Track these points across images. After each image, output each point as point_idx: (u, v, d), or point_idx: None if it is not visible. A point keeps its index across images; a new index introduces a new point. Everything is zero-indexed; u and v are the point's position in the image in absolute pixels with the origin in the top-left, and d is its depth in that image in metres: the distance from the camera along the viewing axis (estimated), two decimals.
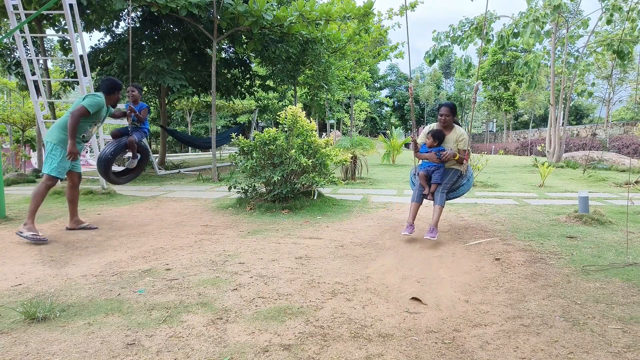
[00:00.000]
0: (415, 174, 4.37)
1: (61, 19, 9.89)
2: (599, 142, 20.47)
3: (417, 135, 4.46)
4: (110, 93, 4.44)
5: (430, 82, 51.71)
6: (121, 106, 5.90)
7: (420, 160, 4.28)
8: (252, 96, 15.56)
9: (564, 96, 14.35)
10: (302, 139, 5.88)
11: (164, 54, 11.25)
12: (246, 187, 6.04)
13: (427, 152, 4.15)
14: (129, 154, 5.21)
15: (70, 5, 6.86)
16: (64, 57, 12.86)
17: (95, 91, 4.87)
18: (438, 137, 4.13)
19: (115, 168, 5.44)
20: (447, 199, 4.08)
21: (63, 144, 4.21)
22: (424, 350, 1.99)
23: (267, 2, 8.89)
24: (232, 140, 6.28)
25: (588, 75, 22.38)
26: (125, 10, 9.40)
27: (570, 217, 4.99)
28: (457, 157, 4.07)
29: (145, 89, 14.26)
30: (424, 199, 4.20)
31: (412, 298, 2.63)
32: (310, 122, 6.08)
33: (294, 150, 5.59)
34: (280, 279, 2.98)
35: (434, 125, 4.34)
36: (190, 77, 12.21)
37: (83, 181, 9.27)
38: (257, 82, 15.09)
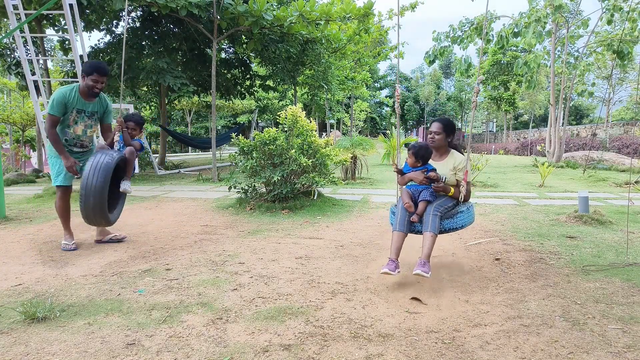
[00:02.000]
0: (397, 205, 3.17)
1: (61, 19, 9.90)
2: (599, 142, 20.47)
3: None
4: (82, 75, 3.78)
5: (430, 82, 51.72)
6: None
7: (404, 188, 3.15)
8: (252, 96, 15.57)
9: (564, 96, 14.35)
10: (302, 139, 5.89)
11: (164, 53, 11.26)
12: (246, 187, 6.04)
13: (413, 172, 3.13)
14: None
15: (70, 5, 6.86)
16: (64, 57, 12.87)
17: None
18: (421, 154, 3.07)
19: None
20: (442, 231, 2.95)
21: (52, 151, 3.83)
22: (424, 350, 1.99)
23: (267, 2, 8.89)
24: (232, 140, 6.28)
25: (588, 75, 22.37)
26: (125, 10, 9.40)
27: (570, 217, 4.99)
28: (451, 193, 3.04)
29: (145, 89, 14.27)
30: (411, 230, 2.99)
31: (412, 298, 2.63)
32: (310, 122, 6.08)
33: (294, 150, 5.59)
34: (280, 279, 2.98)
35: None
36: (191, 77, 12.23)
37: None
38: (257, 82, 15.11)
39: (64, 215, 3.90)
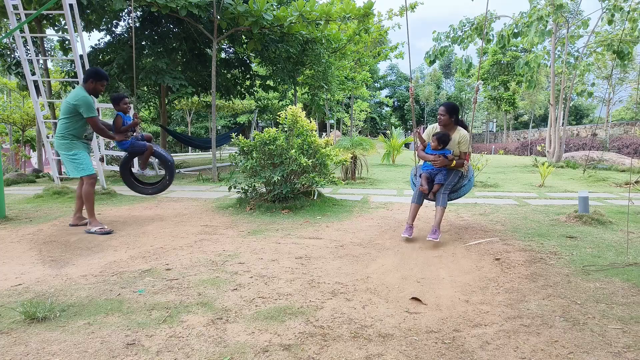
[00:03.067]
0: (416, 175, 4.33)
1: (61, 19, 9.89)
2: (599, 142, 20.47)
3: (422, 131, 4.40)
4: (86, 81, 4.40)
5: (430, 82, 51.69)
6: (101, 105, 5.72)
7: (422, 161, 4.27)
8: (252, 96, 15.56)
9: (564, 96, 14.35)
10: (302, 139, 5.88)
11: (164, 53, 11.25)
12: (246, 187, 6.03)
13: (432, 154, 4.11)
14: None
15: (70, 5, 6.86)
16: (64, 57, 12.87)
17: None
18: (444, 141, 4.07)
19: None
20: (448, 200, 4.04)
21: (77, 146, 4.37)
22: (424, 350, 1.99)
23: (267, 2, 8.89)
24: (232, 140, 6.28)
25: (588, 75, 22.36)
26: (125, 10, 9.39)
27: (570, 217, 4.99)
28: (453, 164, 4.04)
29: (145, 88, 14.29)
30: (425, 200, 4.16)
31: (412, 298, 2.63)
32: (310, 122, 6.08)
33: (294, 150, 5.59)
34: (280, 279, 2.98)
35: (436, 126, 4.30)
36: (190, 77, 12.22)
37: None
38: (258, 82, 15.10)
39: (93, 201, 4.46)
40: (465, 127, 4.23)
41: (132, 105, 4.97)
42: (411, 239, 4.07)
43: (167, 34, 12.01)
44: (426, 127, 4.64)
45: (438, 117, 4.19)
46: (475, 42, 12.10)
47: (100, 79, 4.43)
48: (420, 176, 4.16)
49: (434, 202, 4.16)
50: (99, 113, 4.72)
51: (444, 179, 4.03)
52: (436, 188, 4.02)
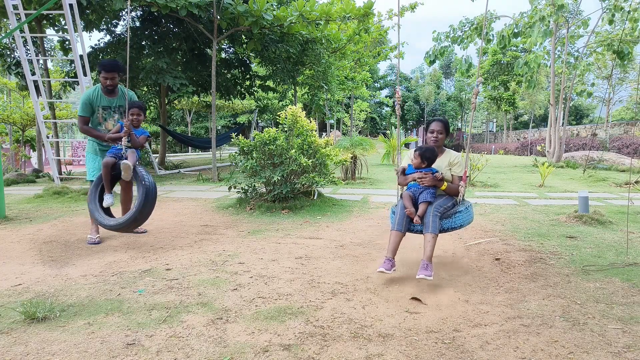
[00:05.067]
0: (397, 205, 3.20)
1: (61, 19, 9.90)
2: (599, 142, 20.48)
3: (401, 162, 3.50)
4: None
5: (430, 82, 51.71)
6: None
7: (406, 193, 3.20)
8: (252, 96, 15.56)
9: (564, 96, 14.35)
10: (302, 139, 5.89)
11: (164, 53, 11.26)
12: (246, 187, 6.04)
13: (416, 172, 3.20)
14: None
15: (70, 5, 6.87)
16: (64, 57, 12.87)
17: None
18: (427, 156, 3.18)
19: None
20: (440, 229, 2.99)
21: (89, 147, 4.27)
22: (424, 350, 1.98)
23: (267, 2, 8.89)
24: (232, 140, 6.28)
25: (588, 75, 22.39)
26: (125, 10, 9.39)
27: (570, 217, 4.99)
28: (444, 187, 3.12)
29: (145, 89, 14.29)
30: (409, 230, 3.08)
31: (412, 298, 2.63)
32: (310, 122, 6.08)
33: (294, 150, 5.59)
34: (280, 279, 2.98)
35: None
36: (190, 77, 12.22)
37: (82, 180, 9.27)
38: (257, 82, 15.11)
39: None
40: (459, 152, 3.43)
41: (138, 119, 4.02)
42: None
43: (167, 33, 12.02)
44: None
45: (432, 136, 3.29)
46: (475, 42, 12.12)
47: (99, 71, 3.93)
48: (402, 197, 3.17)
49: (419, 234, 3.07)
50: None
51: (432, 197, 3.08)
52: (422, 208, 3.02)
